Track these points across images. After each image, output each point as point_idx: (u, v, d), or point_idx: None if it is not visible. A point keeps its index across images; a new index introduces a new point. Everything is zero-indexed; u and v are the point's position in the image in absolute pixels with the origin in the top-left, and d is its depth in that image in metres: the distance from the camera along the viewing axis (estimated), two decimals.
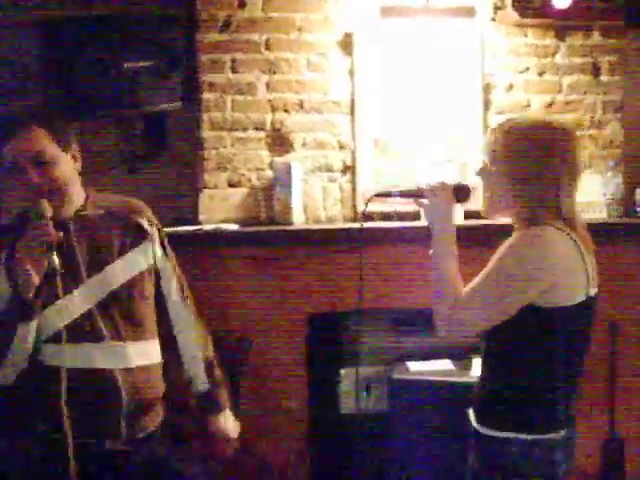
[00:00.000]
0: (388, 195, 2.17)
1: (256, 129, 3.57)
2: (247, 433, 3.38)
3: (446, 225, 2.01)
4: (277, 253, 3.42)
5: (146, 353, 2.21)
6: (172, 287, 2.32)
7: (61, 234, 2.01)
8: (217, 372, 2.39)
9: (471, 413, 2.10)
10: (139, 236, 2.24)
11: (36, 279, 1.96)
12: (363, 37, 3.56)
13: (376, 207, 3.50)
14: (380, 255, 3.35)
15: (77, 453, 2.05)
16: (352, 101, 3.59)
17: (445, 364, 3.44)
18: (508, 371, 1.99)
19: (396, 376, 3.36)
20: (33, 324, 2.01)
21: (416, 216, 3.37)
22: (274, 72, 3.57)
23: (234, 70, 3.56)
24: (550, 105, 3.69)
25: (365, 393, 3.49)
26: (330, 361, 3.54)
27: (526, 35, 3.67)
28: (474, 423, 2.06)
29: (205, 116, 3.55)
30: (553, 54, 3.69)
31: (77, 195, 2.19)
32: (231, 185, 3.57)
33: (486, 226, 3.21)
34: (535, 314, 1.91)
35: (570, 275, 1.92)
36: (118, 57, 3.32)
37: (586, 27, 3.68)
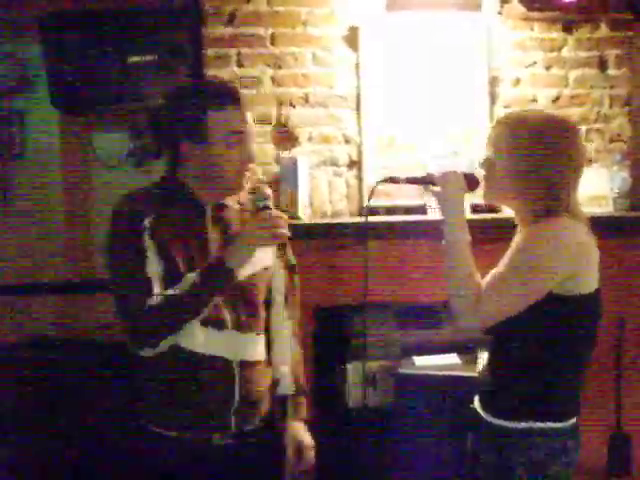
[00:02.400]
0: (395, 181, 2.12)
1: (262, 123, 3.57)
2: None
3: (459, 212, 1.99)
4: None
5: (258, 348, 2.21)
6: (280, 287, 2.32)
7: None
8: (303, 379, 2.38)
9: (479, 406, 2.10)
10: None
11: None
12: (368, 31, 3.55)
13: (381, 201, 3.50)
14: (386, 249, 3.34)
15: (182, 447, 2.09)
16: (358, 95, 3.59)
17: (451, 358, 3.43)
18: (525, 360, 1.99)
19: (402, 370, 3.36)
20: None
21: (422, 210, 3.37)
22: (279, 66, 3.56)
23: (239, 64, 3.55)
24: (557, 99, 3.68)
25: (371, 387, 3.49)
26: (336, 355, 3.53)
27: (532, 29, 3.66)
28: (486, 416, 2.05)
29: None
30: (560, 48, 3.68)
31: None
32: None
33: (491, 220, 3.22)
34: (554, 302, 1.92)
35: (588, 263, 1.95)
36: (123, 51, 3.31)
37: (593, 20, 3.67)
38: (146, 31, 3.37)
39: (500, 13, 3.62)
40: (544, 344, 1.96)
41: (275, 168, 3.56)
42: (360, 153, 3.60)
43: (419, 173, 2.09)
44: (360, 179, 3.60)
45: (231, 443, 2.13)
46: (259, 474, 2.19)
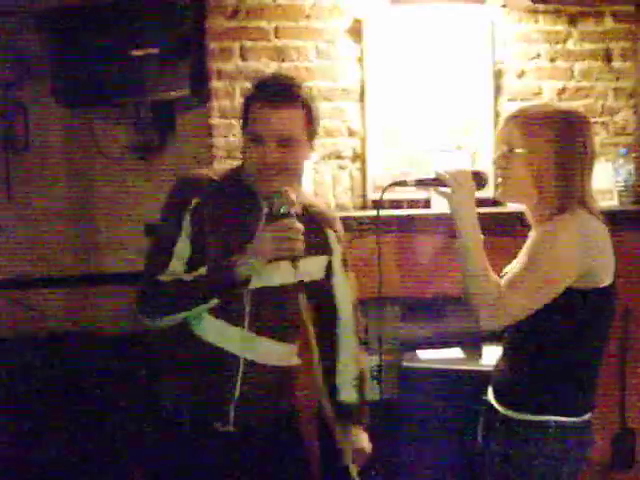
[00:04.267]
0: (403, 184, 2.11)
1: None
2: None
3: (471, 212, 1.97)
4: None
5: (279, 354, 2.20)
6: (346, 302, 2.33)
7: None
8: (366, 388, 2.40)
9: (493, 398, 2.10)
10: (321, 247, 2.21)
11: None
12: (372, 24, 3.54)
13: (387, 195, 3.48)
14: (390, 243, 3.34)
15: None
16: (362, 88, 3.58)
17: (455, 352, 3.43)
18: (543, 355, 1.99)
19: (406, 364, 3.36)
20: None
21: (427, 204, 3.36)
22: (283, 59, 3.55)
23: (243, 58, 3.54)
24: (561, 92, 3.66)
25: (374, 381, 3.48)
26: None
27: (537, 21, 3.64)
28: (502, 408, 2.05)
29: (214, 104, 3.54)
30: (565, 40, 3.66)
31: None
32: None
33: (498, 214, 3.21)
34: (572, 296, 1.93)
35: (604, 256, 1.97)
36: (125, 44, 3.30)
37: (598, 13, 3.65)
38: (149, 24, 3.36)
39: (504, 5, 3.60)
40: (561, 338, 1.97)
41: None
42: (364, 146, 3.59)
43: (427, 175, 2.06)
44: (364, 172, 3.59)
45: (233, 432, 2.14)
46: (259, 466, 2.20)
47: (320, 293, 2.29)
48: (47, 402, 3.32)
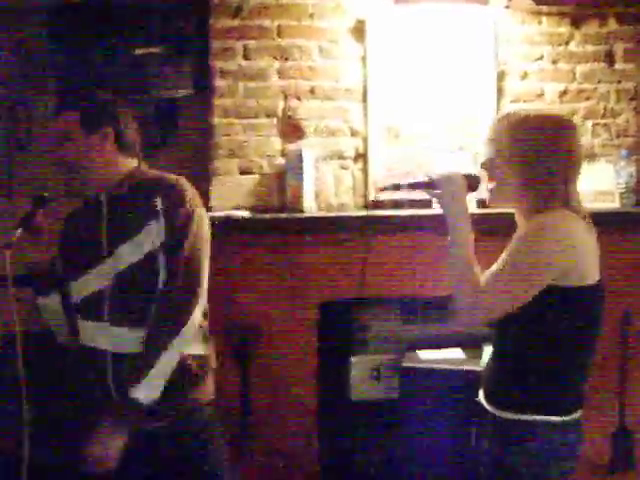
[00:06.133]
0: (397, 188, 2.15)
1: (267, 116, 3.56)
2: (257, 420, 3.40)
3: (462, 213, 2.01)
4: (288, 240, 3.41)
5: (132, 341, 2.19)
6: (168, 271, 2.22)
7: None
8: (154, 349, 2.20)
9: (483, 398, 2.12)
10: (151, 216, 2.19)
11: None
12: (375, 24, 3.54)
13: (387, 195, 3.50)
14: (391, 243, 3.34)
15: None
16: (364, 88, 3.58)
17: (456, 353, 3.43)
18: (528, 353, 2.00)
19: (407, 364, 3.36)
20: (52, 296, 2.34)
21: (427, 204, 3.36)
22: (286, 59, 3.55)
23: (246, 57, 3.54)
24: (564, 93, 3.66)
25: (375, 381, 3.49)
26: (341, 348, 3.54)
27: (540, 22, 3.64)
28: (491, 408, 2.07)
29: (216, 103, 3.54)
30: (567, 42, 3.66)
31: (104, 173, 2.26)
32: (242, 172, 3.57)
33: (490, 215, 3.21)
34: (555, 294, 1.93)
35: (587, 255, 1.97)
36: (129, 43, 3.31)
37: (601, 14, 3.65)
38: (153, 23, 3.36)
39: (508, 7, 3.60)
40: (546, 336, 1.98)
41: (281, 161, 3.55)
42: (366, 146, 3.59)
43: (420, 178, 2.11)
44: (366, 172, 3.59)
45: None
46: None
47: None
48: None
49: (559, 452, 1.99)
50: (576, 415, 2.03)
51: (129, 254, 2.17)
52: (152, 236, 2.17)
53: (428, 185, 2.07)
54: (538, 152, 1.99)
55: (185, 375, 2.22)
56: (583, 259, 1.96)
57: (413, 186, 2.12)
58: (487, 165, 2.09)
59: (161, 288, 2.18)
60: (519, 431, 2.00)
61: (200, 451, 2.27)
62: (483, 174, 2.11)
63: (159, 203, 2.19)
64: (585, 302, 1.99)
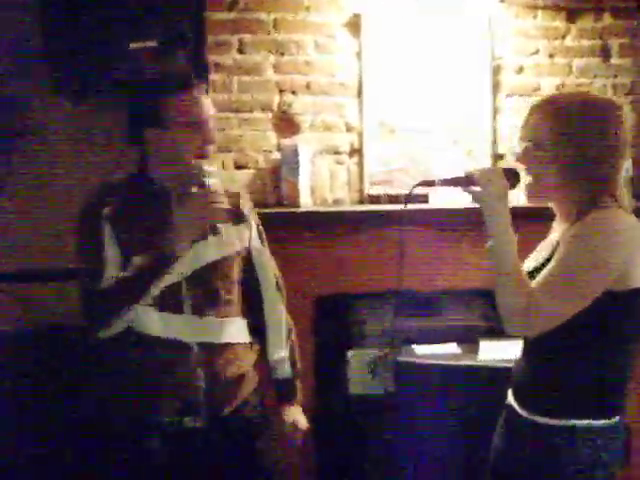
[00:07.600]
0: (430, 184, 2.03)
1: (263, 110, 3.55)
2: None
3: (504, 213, 1.85)
4: (284, 235, 3.40)
5: (226, 332, 2.22)
6: (269, 275, 2.38)
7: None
8: (298, 363, 2.43)
9: (514, 401, 2.00)
10: (237, 218, 2.27)
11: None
12: (371, 18, 3.53)
13: (382, 189, 3.50)
14: (387, 238, 3.33)
15: (153, 431, 2.12)
16: (359, 83, 3.57)
17: (451, 348, 3.43)
18: (571, 357, 1.89)
19: (402, 359, 3.36)
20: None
21: (424, 198, 3.35)
22: (281, 53, 3.54)
23: (241, 51, 3.53)
24: (560, 88, 3.65)
25: (371, 375, 3.49)
26: (337, 343, 3.54)
27: (536, 17, 3.64)
28: (524, 412, 1.95)
29: (211, 97, 3.52)
30: (563, 36, 3.66)
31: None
32: (237, 167, 3.56)
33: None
34: (605, 298, 1.82)
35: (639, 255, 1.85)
36: (124, 37, 3.29)
37: (597, 9, 3.65)
38: (147, 16, 3.34)
39: (502, 1, 3.60)
40: (592, 341, 1.87)
41: (276, 155, 3.54)
42: (361, 141, 3.59)
43: (456, 173, 1.95)
44: (361, 167, 3.59)
45: (204, 427, 2.14)
46: (230, 460, 2.21)
47: (245, 265, 2.33)
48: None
49: (602, 457, 1.88)
50: (617, 419, 1.92)
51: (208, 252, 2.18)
52: (238, 237, 2.28)
53: (466, 182, 1.91)
54: (583, 143, 1.85)
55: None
56: (637, 260, 1.83)
57: (449, 182, 1.95)
58: (524, 157, 1.94)
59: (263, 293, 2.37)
60: (561, 437, 1.88)
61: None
62: (520, 168, 1.96)
63: (245, 207, 2.33)
64: (634, 305, 1.87)
